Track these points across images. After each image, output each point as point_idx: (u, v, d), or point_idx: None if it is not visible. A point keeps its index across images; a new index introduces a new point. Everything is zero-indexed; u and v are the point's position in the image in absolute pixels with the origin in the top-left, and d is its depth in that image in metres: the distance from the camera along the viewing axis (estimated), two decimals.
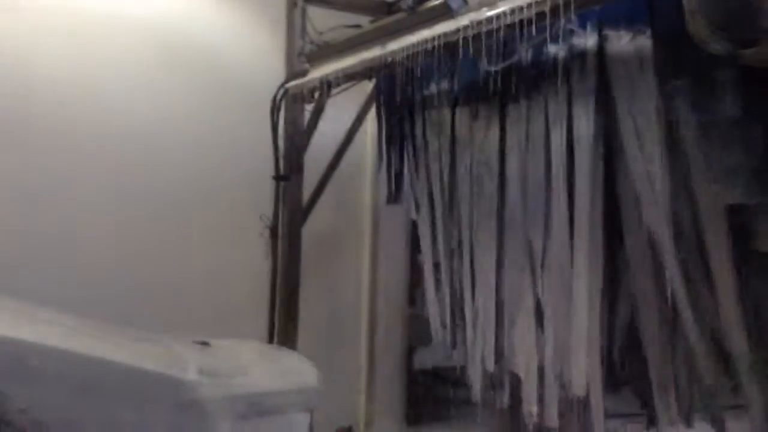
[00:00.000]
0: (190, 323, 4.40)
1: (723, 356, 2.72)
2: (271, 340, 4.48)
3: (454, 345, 3.84)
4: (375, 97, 4.43)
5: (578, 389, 2.99)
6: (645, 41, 2.74)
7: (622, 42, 2.82)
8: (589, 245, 2.95)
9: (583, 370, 2.97)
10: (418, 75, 3.92)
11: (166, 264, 4.47)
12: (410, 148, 4.17)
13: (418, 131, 4.03)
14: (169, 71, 4.57)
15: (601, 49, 2.90)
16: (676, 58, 2.63)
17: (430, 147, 3.96)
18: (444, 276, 3.89)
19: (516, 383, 3.36)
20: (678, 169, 2.72)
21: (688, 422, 2.94)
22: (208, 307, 4.51)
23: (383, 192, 4.65)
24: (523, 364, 3.28)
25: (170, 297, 4.40)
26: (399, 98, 4.20)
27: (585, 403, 3.00)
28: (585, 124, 2.96)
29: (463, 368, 3.67)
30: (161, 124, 4.53)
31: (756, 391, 2.61)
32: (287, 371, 3.20)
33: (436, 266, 3.99)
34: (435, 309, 4.07)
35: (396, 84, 4.18)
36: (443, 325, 3.92)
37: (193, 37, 4.64)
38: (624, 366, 3.15)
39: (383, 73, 3.66)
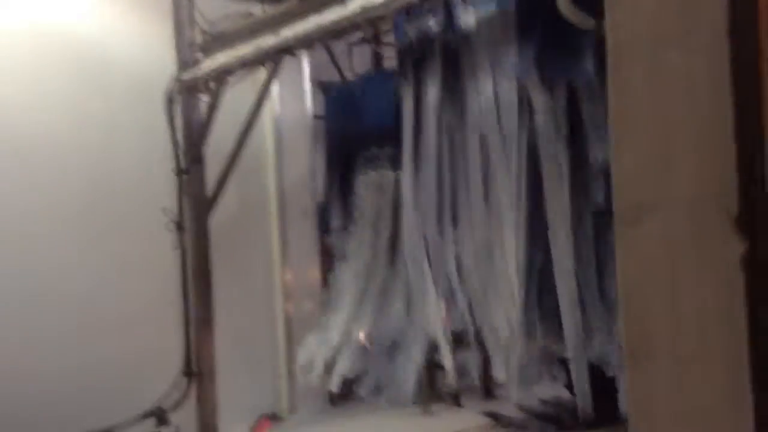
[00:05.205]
0: (104, 325, 4.36)
1: None
2: (187, 332, 4.47)
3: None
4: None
5: None
6: (510, 16, 3.01)
7: (491, 18, 3.08)
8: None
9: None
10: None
11: (72, 271, 4.35)
12: None
13: None
14: (56, 73, 4.39)
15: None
16: (540, 28, 2.89)
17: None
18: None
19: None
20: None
21: None
22: (120, 307, 4.44)
23: (287, 176, 4.73)
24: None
25: (78, 303, 4.31)
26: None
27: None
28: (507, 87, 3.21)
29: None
30: (51, 129, 4.36)
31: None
32: None
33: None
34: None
35: None
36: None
37: (79, 38, 4.48)
38: None
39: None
